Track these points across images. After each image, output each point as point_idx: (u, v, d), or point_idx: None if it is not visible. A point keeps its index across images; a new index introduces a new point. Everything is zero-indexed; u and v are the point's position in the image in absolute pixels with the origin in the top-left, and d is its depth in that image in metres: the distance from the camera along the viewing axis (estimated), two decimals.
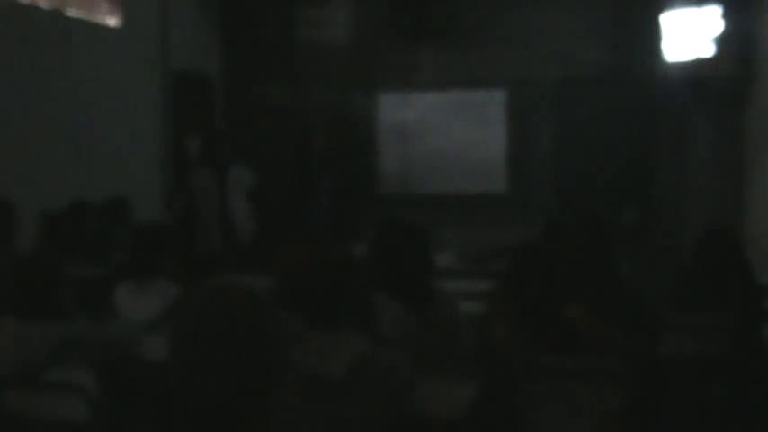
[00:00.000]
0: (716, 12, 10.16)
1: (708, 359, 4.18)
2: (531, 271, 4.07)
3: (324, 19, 12.20)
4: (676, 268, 5.23)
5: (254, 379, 1.90)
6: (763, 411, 4.44)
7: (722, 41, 10.14)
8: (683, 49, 10.50)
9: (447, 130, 12.00)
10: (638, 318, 4.21)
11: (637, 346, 4.03)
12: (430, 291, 3.93)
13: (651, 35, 10.73)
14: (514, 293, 4.09)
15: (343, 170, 11.57)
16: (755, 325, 4.59)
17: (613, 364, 3.74)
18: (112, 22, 9.92)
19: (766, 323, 4.65)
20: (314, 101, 12.03)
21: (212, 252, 10.05)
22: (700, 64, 10.37)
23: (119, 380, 3.87)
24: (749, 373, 4.45)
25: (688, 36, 10.43)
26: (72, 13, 9.22)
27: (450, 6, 11.80)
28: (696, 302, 4.47)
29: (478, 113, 12.00)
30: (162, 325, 4.58)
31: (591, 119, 11.34)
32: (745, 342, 4.46)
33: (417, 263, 3.86)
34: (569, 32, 11.44)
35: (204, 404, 1.87)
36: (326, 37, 12.17)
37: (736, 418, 4.26)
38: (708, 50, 10.27)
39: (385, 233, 3.93)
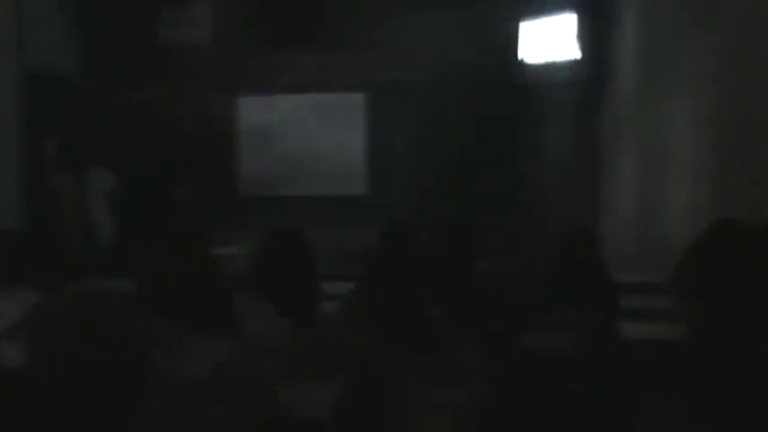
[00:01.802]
0: (572, 17, 10.40)
1: (568, 356, 4.26)
2: (382, 272, 4.10)
3: (186, 20, 12.07)
4: (536, 268, 5.32)
5: (114, 384, 1.87)
6: (622, 407, 4.54)
7: (578, 46, 10.38)
8: (541, 53, 10.72)
9: (308, 133, 12.00)
10: (498, 317, 4.27)
11: (498, 344, 4.08)
12: (313, 299, 3.91)
13: (510, 39, 10.92)
14: (368, 294, 4.11)
15: (204, 172, 11.48)
16: (613, 322, 4.68)
17: (476, 363, 3.79)
18: None
19: (623, 320, 4.75)
20: (175, 102, 11.90)
21: (73, 257, 9.86)
22: (557, 67, 10.60)
23: None
24: (608, 370, 4.54)
25: (546, 40, 10.65)
26: None
27: (311, 10, 11.81)
28: (555, 301, 4.55)
29: (339, 116, 12.03)
30: (18, 333, 4.47)
31: (451, 121, 11.48)
32: (604, 339, 4.56)
33: (300, 272, 3.84)
34: (429, 36, 11.55)
35: (63, 412, 1.84)
36: (189, 38, 12.05)
37: (596, 414, 4.34)
38: (564, 54, 10.51)
39: (268, 240, 3.90)
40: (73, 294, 1.95)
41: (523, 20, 10.83)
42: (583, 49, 10.37)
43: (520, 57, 10.88)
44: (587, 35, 10.33)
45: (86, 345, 1.84)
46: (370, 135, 11.99)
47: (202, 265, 3.09)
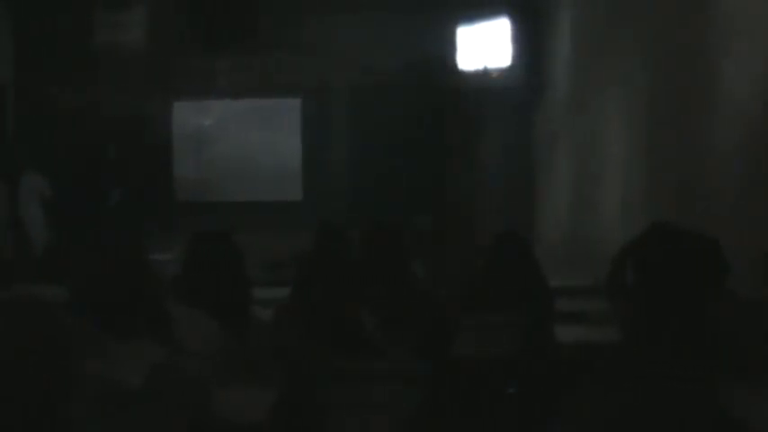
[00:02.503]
0: (507, 24, 10.48)
1: (501, 359, 4.28)
2: (315, 274, 4.10)
3: (121, 23, 11.96)
4: (470, 270, 5.35)
5: (44, 391, 1.85)
6: (555, 410, 4.57)
7: (514, 52, 10.46)
8: (474, 58, 10.78)
9: (244, 138, 11.96)
10: (431, 319, 4.28)
11: (430, 346, 4.09)
12: (244, 305, 3.88)
13: (447, 44, 10.97)
14: (301, 298, 4.11)
15: (138, 176, 11.39)
16: (546, 325, 4.71)
17: (407, 365, 3.80)
18: None
19: (557, 323, 4.78)
20: (110, 106, 11.78)
21: (5, 262, 9.73)
22: (493, 72, 10.67)
23: None
24: (540, 373, 4.57)
25: (482, 46, 10.72)
26: None
27: (247, 13, 11.77)
28: (489, 303, 4.57)
29: (275, 120, 12.01)
30: None
31: (387, 125, 11.51)
32: (537, 342, 4.58)
33: (228, 275, 3.81)
34: (365, 40, 11.57)
35: None
36: (123, 42, 11.93)
37: (528, 417, 4.36)
38: (500, 60, 10.58)
39: (197, 246, 3.86)
40: (3, 300, 1.93)
41: (458, 25, 10.88)
42: (516, 53, 10.45)
43: (454, 61, 10.94)
44: (521, 40, 10.41)
45: (16, 350, 1.83)
46: (306, 140, 11.98)
47: (135, 269, 3.06)
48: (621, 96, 7.13)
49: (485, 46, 10.69)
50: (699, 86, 5.26)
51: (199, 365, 3.03)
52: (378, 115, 11.61)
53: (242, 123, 12.00)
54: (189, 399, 2.92)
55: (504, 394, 4.36)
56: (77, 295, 3.10)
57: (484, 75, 10.70)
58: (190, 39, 11.83)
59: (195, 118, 12.02)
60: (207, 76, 11.91)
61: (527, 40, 10.37)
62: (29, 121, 11.68)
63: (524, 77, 10.49)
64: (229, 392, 3.12)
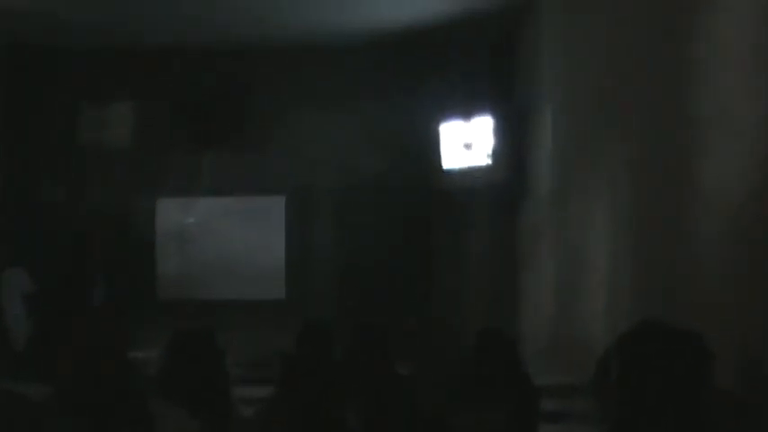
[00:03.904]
0: (488, 123, 10.56)
1: None
2: (298, 375, 4.08)
3: (106, 120, 12.02)
4: (455, 369, 5.31)
5: None
6: None
7: (498, 151, 10.52)
8: (459, 158, 10.85)
9: (228, 236, 11.96)
10: (416, 420, 4.24)
11: None
12: (225, 403, 3.85)
13: (428, 144, 11.05)
14: (284, 397, 4.07)
15: (122, 274, 11.35)
16: (530, 424, 4.67)
17: None
18: None
19: (541, 423, 4.75)
20: (94, 202, 11.78)
21: None
22: (475, 171, 10.73)
23: None
24: None
25: (464, 145, 10.79)
26: None
27: (232, 112, 11.86)
28: (473, 402, 4.53)
29: (259, 219, 12.02)
30: None
31: (372, 225, 11.55)
32: None
33: (208, 373, 3.78)
34: (349, 140, 11.67)
35: None
36: (108, 139, 11.98)
37: None
38: (482, 159, 10.64)
39: (176, 342, 3.83)
40: None
41: (440, 123, 10.98)
42: (500, 152, 10.52)
43: (436, 161, 11.01)
44: (505, 139, 10.49)
45: None
46: (291, 239, 11.98)
47: (117, 367, 3.04)
48: (605, 194, 7.17)
49: (469, 145, 10.76)
50: (682, 183, 5.29)
51: None
52: (363, 215, 11.65)
53: (226, 221, 12.01)
54: None
55: None
56: (60, 393, 3.07)
57: (469, 174, 10.76)
58: (175, 136, 11.88)
59: (179, 215, 12.02)
60: (191, 174, 11.94)
61: (511, 139, 10.44)
62: (12, 216, 11.65)
63: (508, 176, 10.54)
64: None
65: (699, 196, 5.02)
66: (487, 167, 10.63)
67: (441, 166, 11.00)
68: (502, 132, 10.51)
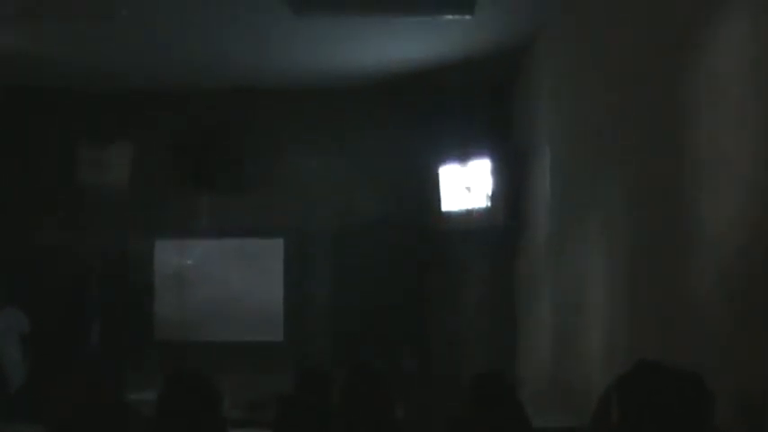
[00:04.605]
0: (487, 166, 10.59)
1: None
2: (293, 418, 4.06)
3: (103, 162, 12.04)
4: (453, 412, 5.29)
5: None
6: None
7: (493, 194, 10.54)
8: (457, 201, 10.87)
9: (226, 278, 11.95)
10: None
11: None
12: None
13: (427, 186, 11.07)
14: None
15: (119, 315, 11.34)
16: None
17: None
18: None
19: None
20: (91, 244, 11.78)
21: None
22: (473, 214, 10.74)
23: None
24: None
25: (462, 188, 10.81)
26: None
27: (230, 154, 11.89)
28: None
29: (257, 261, 12.01)
30: None
31: (370, 267, 11.54)
32: None
33: (208, 418, 3.77)
34: (347, 182, 11.71)
35: None
36: (107, 180, 12.00)
37: None
38: (480, 202, 10.66)
39: (176, 385, 3.81)
40: None
41: (438, 166, 11.01)
42: (498, 195, 10.54)
43: (434, 203, 11.03)
44: (502, 181, 10.51)
45: None
46: (289, 281, 11.98)
47: (115, 410, 3.03)
48: (603, 238, 7.17)
49: (466, 188, 10.78)
50: (680, 228, 5.29)
51: None
52: (361, 257, 11.65)
53: (224, 263, 12.01)
54: None
55: None
56: None
57: (467, 216, 10.77)
58: (173, 178, 11.90)
59: (177, 257, 12.02)
60: (190, 216, 11.95)
61: (509, 182, 10.46)
62: (8, 257, 11.63)
63: (506, 219, 10.55)
64: None
65: (697, 239, 5.02)
66: (486, 210, 10.64)
67: (440, 208, 11.02)
68: (500, 175, 10.54)
